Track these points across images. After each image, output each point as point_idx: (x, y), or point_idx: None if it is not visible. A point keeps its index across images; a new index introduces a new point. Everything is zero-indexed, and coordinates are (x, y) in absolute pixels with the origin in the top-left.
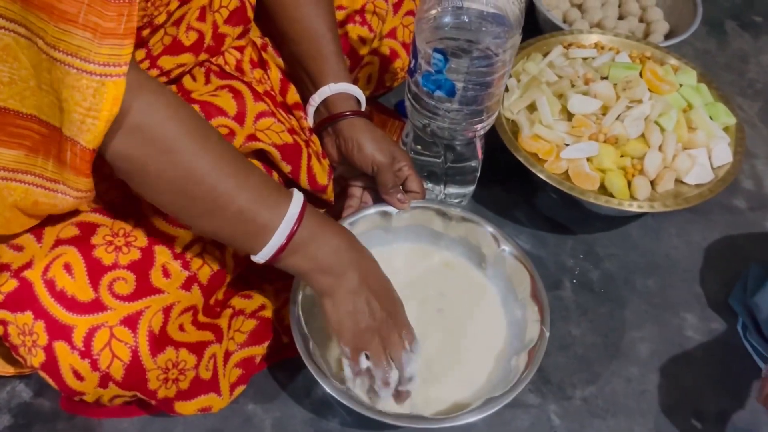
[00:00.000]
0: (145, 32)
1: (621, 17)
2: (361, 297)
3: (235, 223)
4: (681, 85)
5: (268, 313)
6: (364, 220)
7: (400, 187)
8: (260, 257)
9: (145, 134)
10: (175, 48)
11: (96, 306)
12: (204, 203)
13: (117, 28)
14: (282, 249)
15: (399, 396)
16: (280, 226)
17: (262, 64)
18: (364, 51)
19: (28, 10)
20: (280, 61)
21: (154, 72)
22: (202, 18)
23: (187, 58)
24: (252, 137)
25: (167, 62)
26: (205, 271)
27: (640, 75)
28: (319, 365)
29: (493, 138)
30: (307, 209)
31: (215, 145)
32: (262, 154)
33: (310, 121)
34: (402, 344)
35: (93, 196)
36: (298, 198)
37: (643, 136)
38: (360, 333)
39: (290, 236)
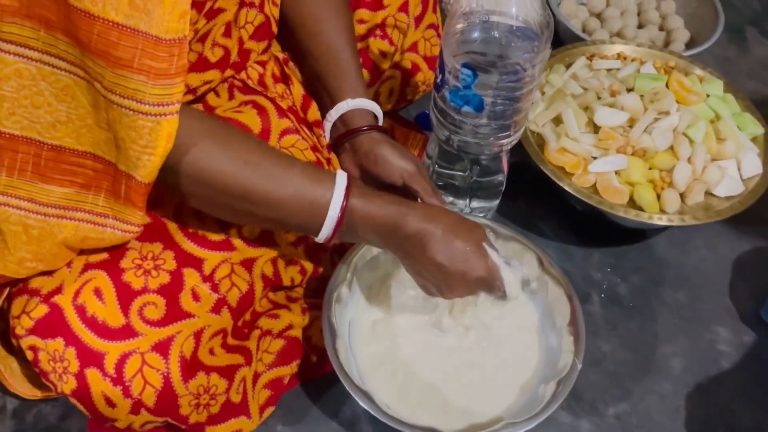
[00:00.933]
0: None
1: (641, 26)
2: (426, 268)
3: (294, 212)
4: (708, 96)
5: (295, 332)
6: None
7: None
8: (323, 235)
9: (202, 178)
10: (201, 65)
11: (127, 332)
12: (264, 208)
13: (169, 68)
14: (339, 223)
15: None
16: (333, 199)
17: (284, 78)
18: (385, 65)
19: (87, 56)
20: (300, 75)
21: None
22: (227, 34)
23: (213, 74)
24: None
25: (194, 79)
26: (234, 293)
27: (667, 86)
28: (349, 372)
29: (517, 150)
30: (353, 181)
31: (260, 156)
32: None
33: (327, 137)
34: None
35: (141, 231)
36: (342, 174)
37: (671, 148)
38: (436, 289)
39: (343, 209)
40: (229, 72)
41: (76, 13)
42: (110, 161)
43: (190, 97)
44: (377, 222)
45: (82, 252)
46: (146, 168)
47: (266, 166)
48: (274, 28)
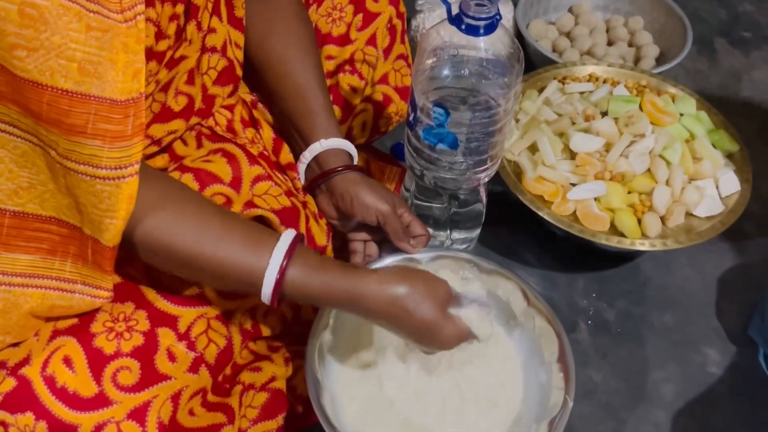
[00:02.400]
0: None
1: (610, 43)
2: (395, 331)
3: (234, 279)
4: (681, 115)
5: (279, 384)
6: None
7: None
8: (265, 301)
9: (154, 248)
10: (164, 115)
11: (100, 401)
12: (207, 275)
13: (125, 130)
14: (276, 289)
15: None
16: (269, 266)
17: (253, 122)
18: (356, 100)
19: (39, 124)
20: (271, 117)
21: (145, 141)
22: (190, 81)
23: (177, 124)
24: (250, 204)
25: (157, 130)
26: (212, 349)
27: (640, 107)
28: (333, 424)
29: (497, 178)
30: (297, 249)
31: (202, 221)
32: (260, 218)
33: (301, 179)
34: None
35: (112, 297)
36: (286, 237)
37: (648, 171)
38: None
39: (282, 271)
40: (194, 120)
41: (24, 84)
42: (75, 225)
43: (155, 148)
44: (327, 297)
45: (50, 318)
46: (110, 232)
47: (205, 230)
48: (239, 72)
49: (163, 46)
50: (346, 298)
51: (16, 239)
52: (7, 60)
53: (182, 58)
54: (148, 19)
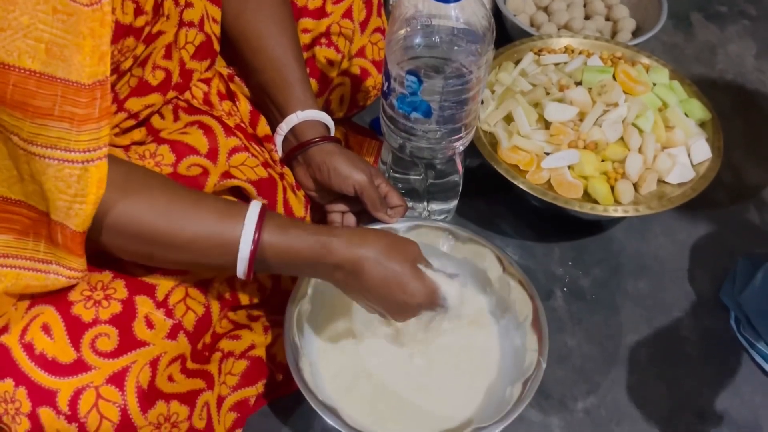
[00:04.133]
0: (112, 78)
1: (587, 17)
2: (366, 296)
3: (205, 252)
4: (654, 85)
5: (258, 351)
6: None
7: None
8: (240, 272)
9: (121, 230)
10: (141, 89)
11: (79, 366)
12: (173, 251)
13: (92, 113)
14: (253, 255)
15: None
16: (242, 236)
17: (230, 95)
18: (333, 73)
19: (2, 109)
20: (248, 90)
21: (122, 115)
22: (168, 56)
23: (155, 98)
24: (227, 174)
25: (135, 104)
26: (190, 317)
27: (614, 77)
28: (314, 389)
29: (472, 149)
30: (267, 214)
31: (169, 198)
32: (237, 190)
33: (279, 151)
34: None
35: (86, 277)
36: (255, 206)
37: (621, 139)
38: (380, 315)
39: (256, 242)
40: (171, 94)
41: None
42: (43, 211)
43: (132, 122)
44: (298, 254)
45: (23, 296)
46: (78, 217)
47: (174, 207)
48: (216, 46)
49: (141, 21)
50: (316, 251)
51: None
52: None
53: (160, 33)
54: None
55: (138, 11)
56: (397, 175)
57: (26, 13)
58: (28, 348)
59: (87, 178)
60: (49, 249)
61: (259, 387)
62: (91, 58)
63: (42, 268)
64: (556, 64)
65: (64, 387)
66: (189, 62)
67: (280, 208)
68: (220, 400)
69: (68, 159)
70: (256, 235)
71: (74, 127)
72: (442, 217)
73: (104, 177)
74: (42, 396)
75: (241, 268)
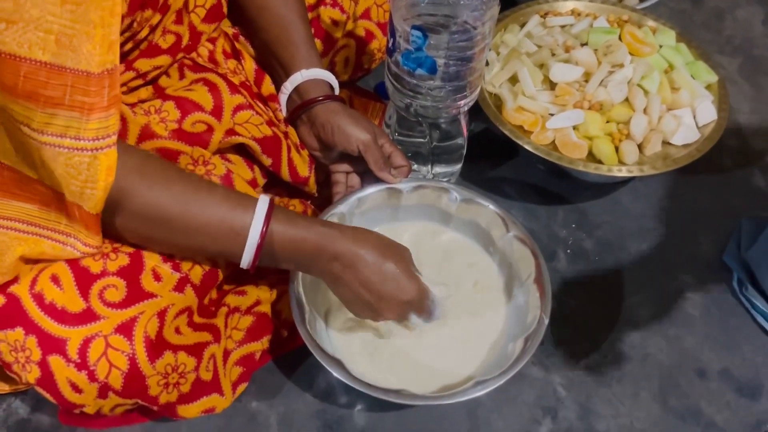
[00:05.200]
0: (128, 46)
1: None
2: (357, 290)
3: (214, 238)
4: (661, 46)
5: (264, 308)
6: (372, 198)
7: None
8: (246, 261)
9: (138, 211)
10: (151, 51)
11: (88, 316)
12: (183, 236)
13: (101, 101)
14: (259, 248)
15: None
16: (252, 224)
17: (235, 54)
18: (338, 34)
19: (14, 100)
20: (252, 50)
21: (130, 74)
22: (179, 21)
23: (164, 59)
24: (231, 132)
25: (143, 64)
26: (197, 271)
27: (620, 39)
28: (320, 343)
29: (477, 113)
30: (275, 208)
31: (181, 184)
32: (242, 148)
33: (283, 110)
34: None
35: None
36: (264, 198)
37: (627, 100)
38: (368, 312)
39: (263, 234)
40: (180, 55)
41: (1, 58)
42: (59, 191)
43: (139, 81)
44: (302, 245)
45: (29, 260)
46: (91, 200)
47: (188, 193)
48: (225, 9)
49: None
50: (319, 241)
51: (14, 188)
52: None
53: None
54: None
55: None
56: (402, 138)
57: (36, 6)
58: (38, 298)
59: (96, 165)
60: (69, 222)
61: (264, 342)
62: (100, 47)
63: (61, 239)
64: (562, 26)
65: (73, 335)
66: (199, 25)
67: (285, 167)
68: (226, 353)
69: (78, 147)
70: (265, 226)
71: (84, 115)
72: (445, 179)
73: (113, 164)
74: (52, 344)
75: (248, 257)
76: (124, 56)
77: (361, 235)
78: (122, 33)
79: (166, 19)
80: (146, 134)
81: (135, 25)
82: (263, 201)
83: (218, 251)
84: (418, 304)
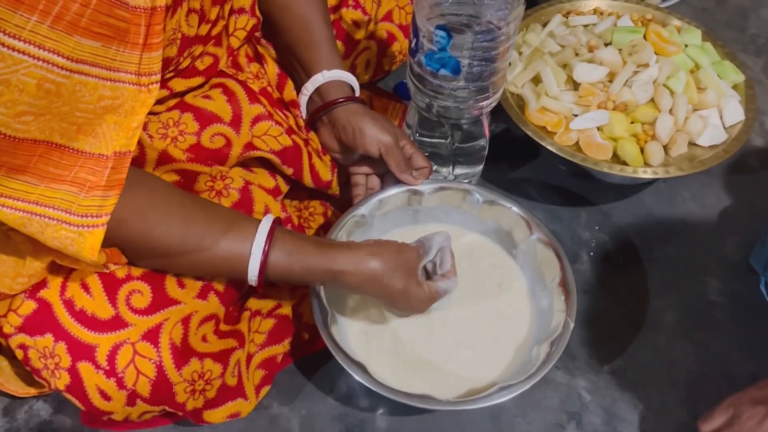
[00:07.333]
0: (168, 74)
1: None
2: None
3: (218, 267)
4: (686, 46)
5: (285, 310)
6: (393, 199)
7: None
8: (251, 282)
9: (142, 246)
10: (188, 73)
11: (117, 323)
12: (191, 267)
13: (100, 181)
14: (261, 274)
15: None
16: (250, 262)
17: (258, 57)
18: (359, 35)
19: (13, 177)
20: (274, 53)
21: (164, 92)
22: (218, 43)
23: (198, 81)
24: (249, 146)
25: (178, 84)
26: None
27: (644, 38)
28: (342, 347)
29: (500, 116)
30: (278, 229)
31: (184, 222)
32: (263, 159)
33: (303, 112)
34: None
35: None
36: (266, 221)
37: (652, 100)
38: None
39: (265, 254)
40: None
41: (19, 142)
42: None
43: (168, 94)
44: (305, 276)
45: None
46: (83, 262)
47: (190, 229)
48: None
49: (204, 30)
50: (325, 276)
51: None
52: (8, 125)
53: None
54: (191, 10)
55: (202, 19)
56: (423, 138)
57: (68, 105)
58: (69, 304)
59: (80, 242)
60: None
61: (285, 345)
62: (125, 135)
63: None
64: (585, 26)
65: (102, 342)
66: (236, 46)
67: (307, 174)
68: (249, 357)
69: (65, 221)
70: (264, 256)
71: (83, 192)
72: (466, 181)
73: (97, 245)
74: (82, 351)
75: (252, 281)
76: (163, 81)
77: (363, 263)
78: (168, 69)
79: (208, 46)
80: (164, 159)
81: (180, 59)
82: (261, 233)
83: (225, 278)
84: (430, 304)
